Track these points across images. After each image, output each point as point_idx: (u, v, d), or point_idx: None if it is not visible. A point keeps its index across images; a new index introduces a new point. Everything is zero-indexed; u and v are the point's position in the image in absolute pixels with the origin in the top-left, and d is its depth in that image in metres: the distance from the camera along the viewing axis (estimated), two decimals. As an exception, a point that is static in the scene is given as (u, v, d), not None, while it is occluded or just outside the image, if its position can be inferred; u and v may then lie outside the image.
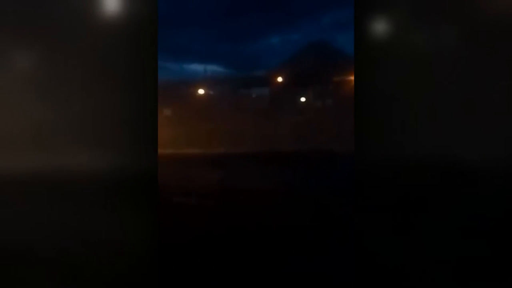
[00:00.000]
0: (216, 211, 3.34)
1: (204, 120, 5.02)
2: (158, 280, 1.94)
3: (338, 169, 4.15)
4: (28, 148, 1.82)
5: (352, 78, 4.89)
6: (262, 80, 5.46)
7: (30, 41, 1.91)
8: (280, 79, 5.42)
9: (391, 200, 2.00)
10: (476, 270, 1.95)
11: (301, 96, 5.42)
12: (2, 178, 1.83)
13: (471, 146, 1.88)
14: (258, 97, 5.64)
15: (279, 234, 2.88)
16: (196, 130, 4.83)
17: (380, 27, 1.92)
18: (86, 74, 1.88)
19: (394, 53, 1.91)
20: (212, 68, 5.65)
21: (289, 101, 5.39)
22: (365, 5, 1.94)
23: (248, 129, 4.81)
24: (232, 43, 5.29)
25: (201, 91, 5.53)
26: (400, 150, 1.95)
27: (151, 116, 1.86)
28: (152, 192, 1.84)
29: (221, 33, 5.26)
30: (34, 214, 1.81)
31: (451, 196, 1.92)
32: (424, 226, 1.96)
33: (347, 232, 2.68)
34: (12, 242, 1.85)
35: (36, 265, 1.83)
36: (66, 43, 1.90)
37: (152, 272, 1.88)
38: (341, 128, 4.58)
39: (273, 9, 4.96)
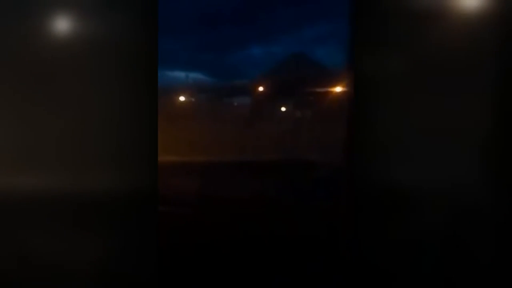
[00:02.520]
0: (197, 220, 3.37)
1: (185, 128, 5.04)
2: None
3: (318, 179, 4.23)
4: (19, 165, 1.80)
5: (330, 89, 5.03)
6: (243, 90, 5.53)
7: (17, 47, 1.90)
8: (261, 89, 5.50)
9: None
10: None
11: (282, 106, 5.52)
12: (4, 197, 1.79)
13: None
14: (239, 106, 5.71)
15: (260, 242, 2.93)
16: (177, 138, 4.85)
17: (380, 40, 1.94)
18: (80, 83, 1.88)
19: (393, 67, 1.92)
20: (194, 76, 5.70)
21: (270, 111, 5.48)
22: (363, 16, 1.96)
23: (229, 138, 4.86)
24: (214, 52, 5.35)
25: (182, 98, 5.56)
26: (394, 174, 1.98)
27: (150, 123, 1.87)
28: (152, 205, 1.85)
29: (203, 42, 5.32)
30: (28, 230, 1.79)
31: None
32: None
33: (329, 238, 2.77)
34: (9, 261, 1.82)
35: (30, 279, 1.81)
36: (59, 50, 1.89)
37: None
38: (320, 139, 4.68)
39: (254, 21, 5.06)
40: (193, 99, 5.59)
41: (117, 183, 1.82)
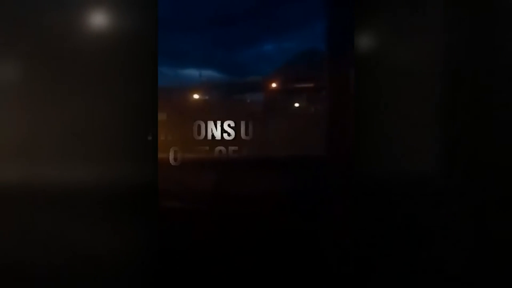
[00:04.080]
0: (210, 216, 3.38)
1: (197, 123, 5.04)
2: None
3: (330, 175, 4.20)
4: (17, 159, 1.80)
5: (344, 85, 4.97)
6: (256, 86, 5.52)
7: (20, 46, 1.91)
8: (274, 85, 5.48)
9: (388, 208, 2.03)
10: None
11: (295, 102, 5.49)
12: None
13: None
14: (252, 102, 5.69)
15: (273, 238, 2.93)
16: (189, 134, 4.85)
17: (380, 35, 1.93)
18: (81, 80, 1.89)
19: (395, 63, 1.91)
20: (207, 73, 5.70)
21: (283, 107, 5.45)
22: (365, 14, 1.95)
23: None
24: (227, 49, 5.36)
25: (196, 96, 5.58)
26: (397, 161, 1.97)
27: (151, 121, 1.88)
28: (152, 200, 1.85)
29: (216, 39, 5.33)
30: (26, 226, 1.78)
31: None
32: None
33: (340, 236, 2.76)
34: (4, 257, 1.82)
35: (29, 279, 1.81)
36: (60, 48, 1.90)
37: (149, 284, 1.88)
38: (333, 135, 4.64)
39: (267, 18, 5.05)
40: (206, 96, 5.60)
41: (118, 178, 1.83)
